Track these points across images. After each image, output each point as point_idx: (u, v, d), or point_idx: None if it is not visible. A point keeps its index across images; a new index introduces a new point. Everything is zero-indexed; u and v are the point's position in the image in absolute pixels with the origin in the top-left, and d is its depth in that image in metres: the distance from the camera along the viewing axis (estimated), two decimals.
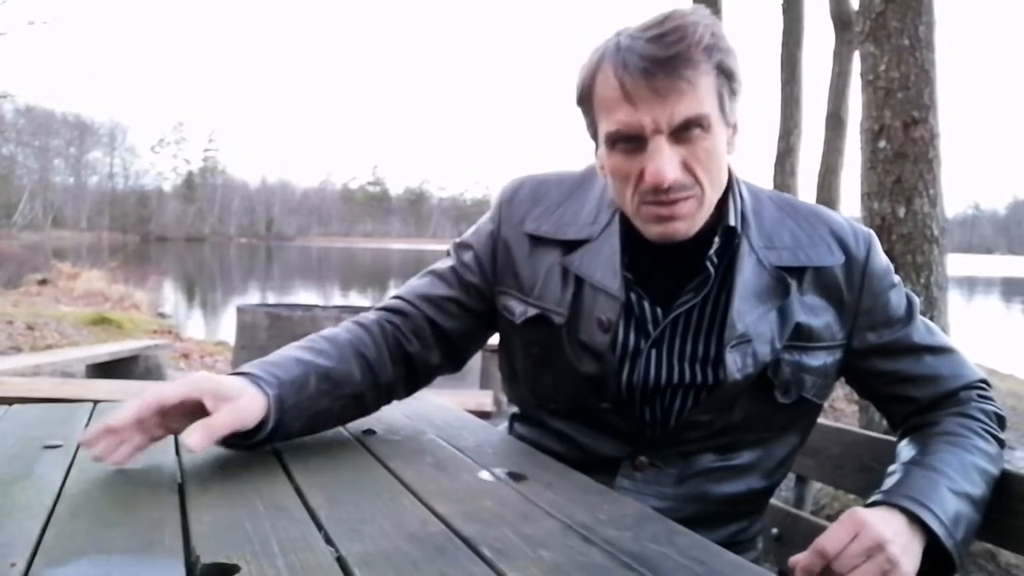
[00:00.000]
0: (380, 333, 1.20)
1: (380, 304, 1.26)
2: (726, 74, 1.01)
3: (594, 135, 1.08)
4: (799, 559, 0.96)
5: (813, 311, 1.10)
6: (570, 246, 1.14)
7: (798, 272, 1.10)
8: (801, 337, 1.09)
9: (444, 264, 1.26)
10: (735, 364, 1.06)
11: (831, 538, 0.95)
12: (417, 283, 1.26)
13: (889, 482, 1.04)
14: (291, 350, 1.14)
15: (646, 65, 0.96)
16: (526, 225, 1.18)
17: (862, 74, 3.89)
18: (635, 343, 1.10)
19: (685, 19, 0.98)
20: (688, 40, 0.96)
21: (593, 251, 1.12)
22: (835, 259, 1.12)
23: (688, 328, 1.10)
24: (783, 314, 1.08)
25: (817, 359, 1.11)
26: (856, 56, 4.24)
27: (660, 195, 1.00)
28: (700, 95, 0.98)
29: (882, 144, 3.73)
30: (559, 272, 1.14)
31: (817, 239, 1.12)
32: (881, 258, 1.16)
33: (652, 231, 1.05)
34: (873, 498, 1.02)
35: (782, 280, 1.09)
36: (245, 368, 1.05)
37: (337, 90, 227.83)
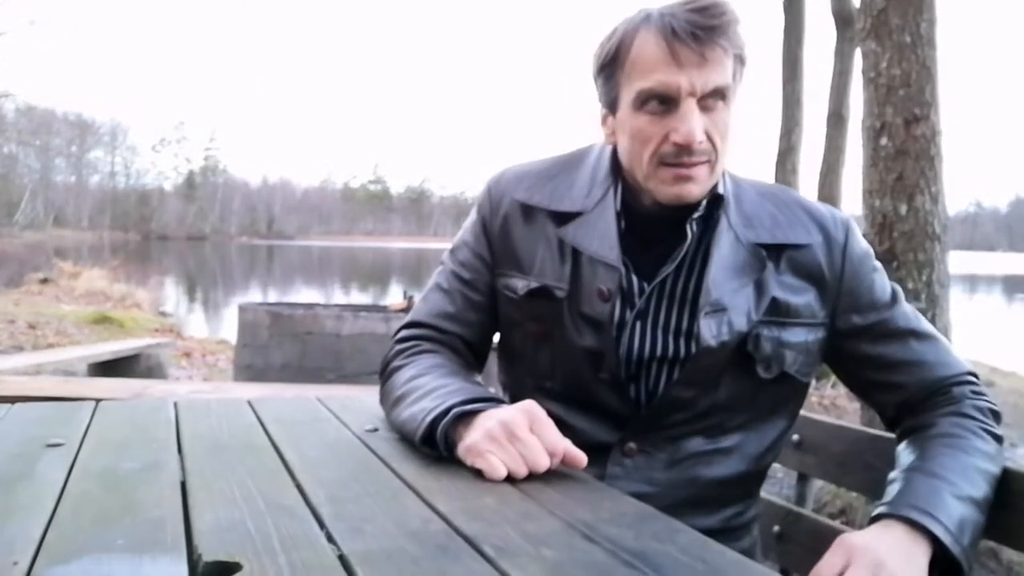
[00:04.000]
0: (443, 352, 1.23)
1: (406, 333, 1.27)
2: (740, 59, 1.09)
3: (610, 102, 1.13)
4: None
5: (792, 289, 1.14)
6: (563, 218, 1.17)
7: (776, 251, 1.14)
8: (779, 312, 1.13)
9: (444, 275, 1.28)
10: (709, 331, 1.10)
11: (826, 566, 0.96)
12: (428, 305, 1.28)
13: (892, 491, 1.04)
14: (459, 379, 1.12)
15: (694, 31, 1.04)
16: (517, 195, 1.21)
17: (864, 71, 3.89)
18: (621, 315, 1.14)
19: (720, 0, 1.07)
20: (727, 16, 1.06)
21: (588, 223, 1.15)
22: (812, 238, 1.15)
23: (672, 300, 1.14)
24: (759, 288, 1.12)
25: (797, 335, 1.14)
26: (858, 54, 4.23)
27: (683, 156, 1.06)
28: (728, 68, 1.07)
29: (883, 141, 3.73)
30: (556, 245, 1.17)
31: (795, 220, 1.17)
32: (860, 242, 1.19)
33: (667, 192, 1.10)
34: (878, 510, 1.02)
35: (758, 255, 1.13)
36: (484, 395, 1.05)
37: (338, 89, 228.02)
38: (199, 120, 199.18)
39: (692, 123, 1.04)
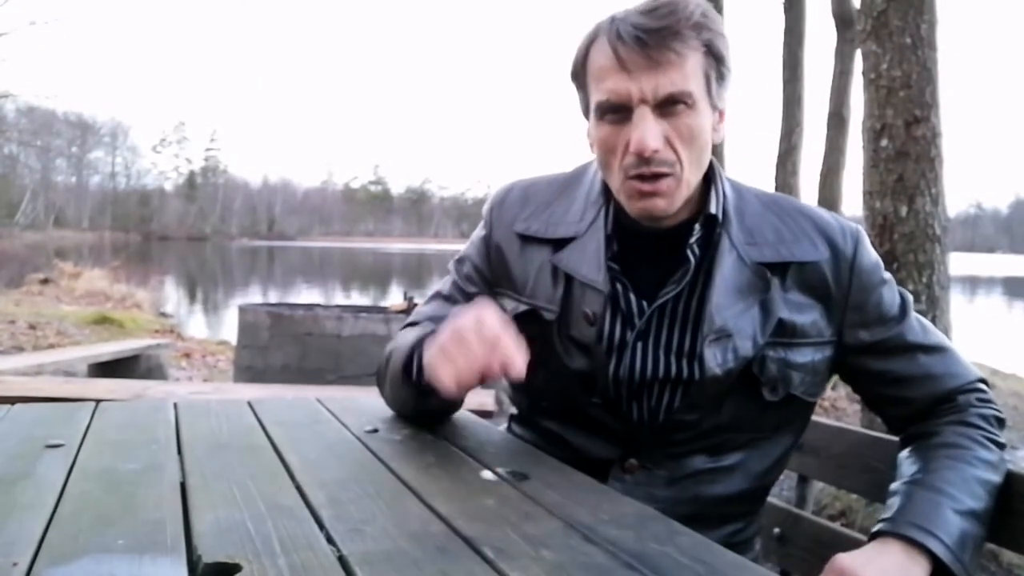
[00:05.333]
0: None
1: (399, 333, 1.28)
2: (715, 56, 1.05)
3: (586, 110, 1.11)
4: None
5: (798, 308, 1.10)
6: (559, 244, 1.16)
7: (781, 269, 1.10)
8: (785, 333, 1.09)
9: (447, 283, 1.29)
10: (714, 359, 1.07)
11: None
12: (428, 308, 1.29)
13: (892, 505, 1.03)
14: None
15: (638, 34, 1.00)
16: (516, 226, 1.21)
17: (864, 73, 3.89)
18: (621, 336, 1.12)
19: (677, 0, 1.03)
20: (678, 14, 1.01)
21: (580, 247, 1.14)
22: (819, 254, 1.11)
23: (674, 320, 1.11)
24: (765, 309, 1.09)
25: (804, 356, 1.11)
26: (858, 55, 4.23)
27: (642, 167, 1.03)
28: (687, 70, 1.02)
29: (884, 143, 3.73)
30: (549, 270, 1.16)
31: (800, 234, 1.12)
32: (870, 254, 1.15)
33: (634, 207, 1.08)
34: (877, 527, 1.01)
35: (763, 276, 1.09)
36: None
37: (338, 89, 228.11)
38: (200, 120, 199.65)
39: (643, 131, 1.01)
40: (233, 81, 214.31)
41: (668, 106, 1.02)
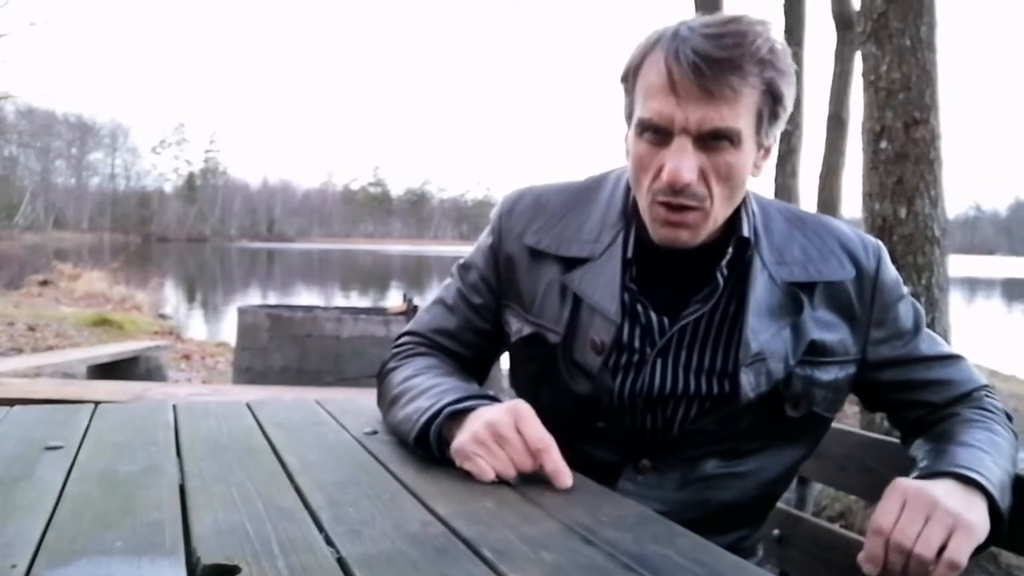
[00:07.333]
0: (439, 355, 1.23)
1: (400, 342, 1.27)
2: (773, 95, 1.00)
3: (628, 117, 1.07)
4: (861, 555, 0.95)
5: (826, 327, 1.10)
6: (570, 263, 1.12)
7: (809, 287, 1.09)
8: (815, 352, 1.09)
9: (450, 291, 1.25)
10: (749, 384, 1.06)
11: (882, 513, 0.95)
12: (429, 317, 1.26)
13: (926, 460, 1.03)
14: (453, 378, 1.12)
15: (696, 60, 0.95)
16: (526, 238, 1.17)
17: (864, 75, 3.90)
18: (640, 352, 1.10)
19: (749, 27, 0.97)
20: (744, 48, 0.95)
21: (594, 271, 1.10)
22: (846, 273, 1.11)
23: (696, 339, 1.09)
24: (797, 331, 1.08)
25: (829, 374, 1.11)
26: (858, 57, 4.24)
27: (670, 196, 1.00)
28: (739, 108, 0.97)
29: (883, 145, 3.74)
30: (558, 289, 1.13)
31: (827, 253, 1.11)
32: (891, 271, 1.16)
33: (657, 232, 1.05)
34: (915, 474, 1.01)
35: (795, 297, 1.08)
36: (477, 392, 1.04)
37: (338, 91, 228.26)
38: (199, 121, 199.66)
39: (678, 163, 0.97)
40: (233, 82, 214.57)
41: (711, 140, 0.98)
